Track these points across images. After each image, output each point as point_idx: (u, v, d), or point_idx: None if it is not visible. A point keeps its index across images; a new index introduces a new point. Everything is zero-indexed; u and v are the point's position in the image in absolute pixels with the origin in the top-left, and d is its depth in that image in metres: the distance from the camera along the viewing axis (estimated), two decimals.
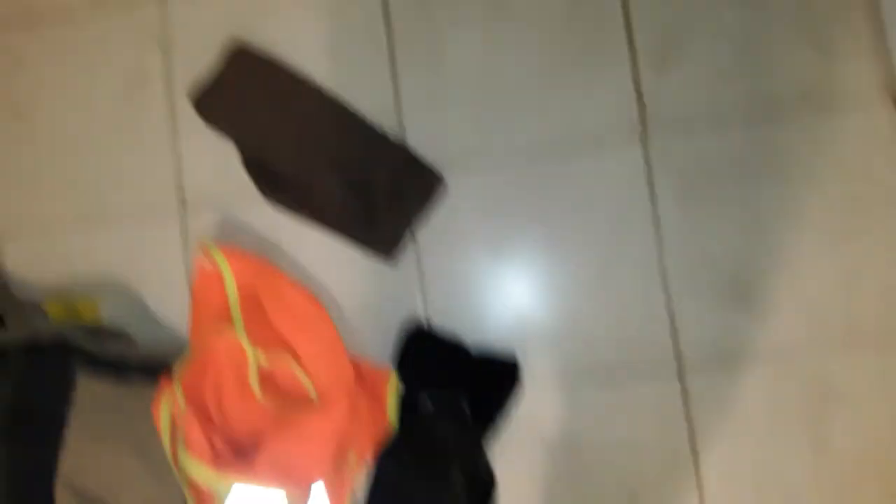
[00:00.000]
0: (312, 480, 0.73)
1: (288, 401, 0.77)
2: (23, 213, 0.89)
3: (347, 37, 0.87)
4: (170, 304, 0.86)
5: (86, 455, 0.70)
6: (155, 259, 0.87)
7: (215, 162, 0.87)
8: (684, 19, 0.83)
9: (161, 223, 0.87)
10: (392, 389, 0.75)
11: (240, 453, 0.72)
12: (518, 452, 0.80)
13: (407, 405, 0.76)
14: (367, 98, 0.85)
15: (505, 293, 0.83)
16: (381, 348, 0.82)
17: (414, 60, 0.86)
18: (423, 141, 0.84)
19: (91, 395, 0.72)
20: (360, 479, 0.75)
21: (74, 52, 0.91)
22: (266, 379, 0.77)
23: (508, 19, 0.85)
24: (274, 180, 0.85)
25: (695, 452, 0.79)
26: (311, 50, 0.87)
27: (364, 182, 0.81)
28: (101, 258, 0.87)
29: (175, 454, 0.71)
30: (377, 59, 0.86)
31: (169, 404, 0.72)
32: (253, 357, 0.75)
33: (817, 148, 0.80)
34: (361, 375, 0.77)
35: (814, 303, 0.79)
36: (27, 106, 0.91)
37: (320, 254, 0.85)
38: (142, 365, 0.78)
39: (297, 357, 0.78)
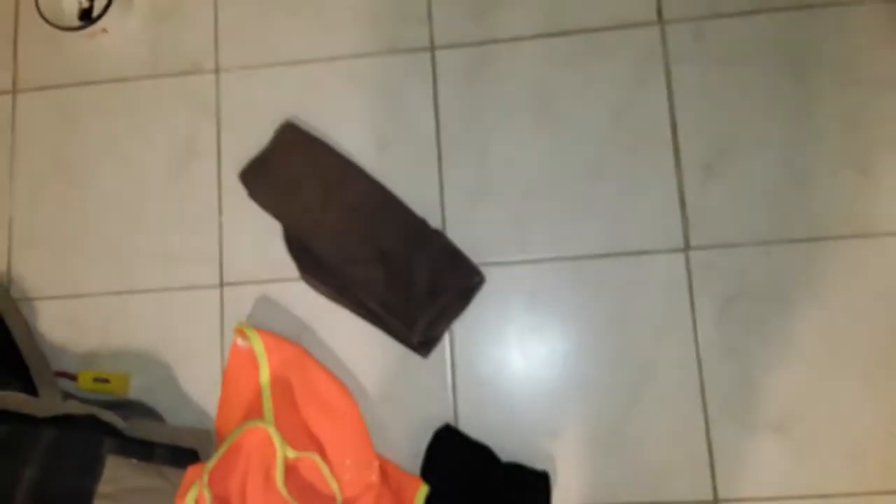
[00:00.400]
0: None
1: (311, 497, 0.75)
2: (61, 274, 0.89)
3: (397, 125, 0.88)
4: (200, 383, 0.85)
5: None
6: (190, 335, 0.86)
7: (257, 239, 0.87)
8: (730, 131, 0.83)
9: (199, 298, 0.87)
10: (420, 498, 0.74)
11: None
12: None
13: None
14: (412, 188, 0.85)
15: (537, 395, 0.81)
16: (407, 441, 0.81)
17: (460, 154, 0.86)
18: (464, 235, 0.84)
19: (118, 473, 0.72)
20: None
21: (128, 114, 0.92)
22: (291, 472, 0.75)
23: (556, 121, 0.85)
24: (314, 263, 0.84)
25: None
26: (360, 132, 0.88)
27: (405, 275, 0.81)
28: (135, 330, 0.87)
29: None
30: (425, 151, 0.87)
31: (194, 497, 0.71)
32: (281, 448, 0.74)
33: (858, 276, 0.79)
34: (388, 477, 0.76)
35: (854, 444, 0.77)
36: (75, 163, 0.91)
37: (353, 341, 0.84)
38: (168, 445, 0.77)
39: (322, 451, 0.77)
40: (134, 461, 0.73)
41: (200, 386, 0.85)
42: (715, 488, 0.78)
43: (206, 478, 0.72)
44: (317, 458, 0.76)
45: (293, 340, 0.83)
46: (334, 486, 0.76)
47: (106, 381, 0.84)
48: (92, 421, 0.74)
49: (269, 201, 0.86)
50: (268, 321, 0.85)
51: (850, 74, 0.82)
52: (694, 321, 0.80)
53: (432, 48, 0.88)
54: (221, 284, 0.87)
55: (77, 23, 0.91)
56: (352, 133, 0.88)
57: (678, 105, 0.84)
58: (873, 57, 0.82)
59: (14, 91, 0.93)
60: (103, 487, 0.70)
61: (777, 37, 0.84)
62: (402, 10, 0.89)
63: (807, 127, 0.82)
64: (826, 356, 0.79)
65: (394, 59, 0.89)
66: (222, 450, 0.75)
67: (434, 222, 0.84)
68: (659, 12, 0.86)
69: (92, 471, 0.71)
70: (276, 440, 0.74)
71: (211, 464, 0.73)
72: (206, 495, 0.70)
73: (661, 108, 0.84)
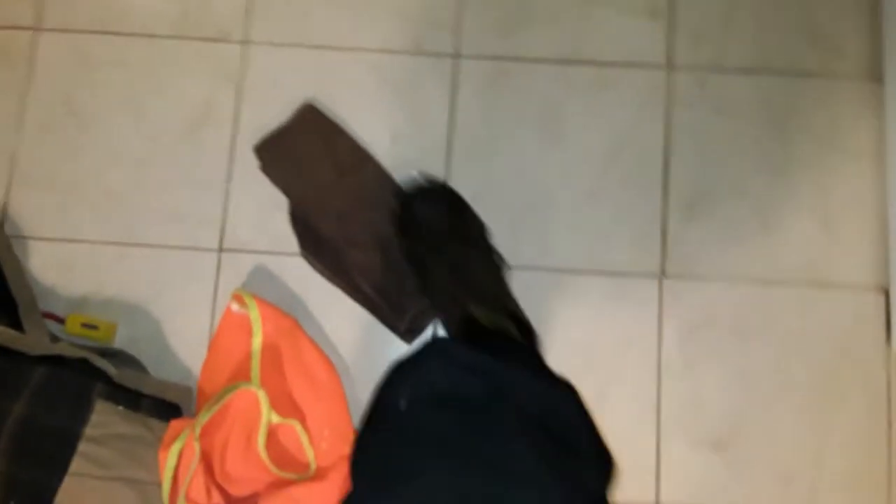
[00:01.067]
0: None
1: (286, 461, 0.78)
2: (59, 217, 0.89)
3: (411, 123, 0.91)
4: (187, 342, 0.87)
5: (86, 484, 0.70)
6: (183, 294, 0.88)
7: (261, 210, 0.89)
8: (716, 176, 0.90)
9: (197, 260, 0.88)
10: None
11: None
12: None
13: None
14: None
15: None
16: None
17: (467, 159, 0.90)
18: None
19: (106, 418, 0.73)
20: None
21: (149, 70, 0.92)
22: (271, 436, 0.78)
23: (560, 142, 0.90)
24: (316, 241, 0.87)
25: None
26: (376, 124, 0.91)
27: (401, 265, 0.85)
28: (128, 282, 0.88)
29: (173, 501, 0.71)
30: (434, 151, 0.90)
31: (178, 450, 0.73)
32: (266, 413, 0.77)
33: (809, 319, 0.87)
34: None
35: (786, 467, 0.85)
36: (87, 110, 0.91)
37: (343, 321, 0.87)
38: (154, 398, 0.78)
39: (303, 420, 0.79)
40: (121, 408, 0.74)
41: (186, 344, 0.87)
42: (658, 492, 0.84)
43: (198, 431, 0.74)
44: (297, 426, 0.78)
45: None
46: (310, 455, 0.79)
47: (94, 327, 0.84)
48: (84, 365, 0.75)
49: (280, 176, 0.88)
50: (262, 291, 0.87)
51: (829, 141, 0.90)
52: (659, 341, 0.87)
53: (456, 56, 0.92)
54: (220, 249, 0.89)
55: None
56: (367, 123, 0.91)
57: (673, 145, 0.90)
58: (851, 128, 0.90)
59: (37, 28, 0.92)
60: (90, 431, 0.71)
61: (770, 97, 0.91)
62: (433, 15, 0.93)
63: (782, 182, 0.90)
64: (771, 387, 0.86)
65: (418, 60, 0.92)
66: (216, 407, 0.77)
67: None
68: (668, 58, 0.92)
69: (81, 413, 0.72)
70: (264, 404, 0.77)
71: (204, 419, 0.75)
72: (196, 448, 0.72)
73: (656, 146, 0.90)
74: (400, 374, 0.56)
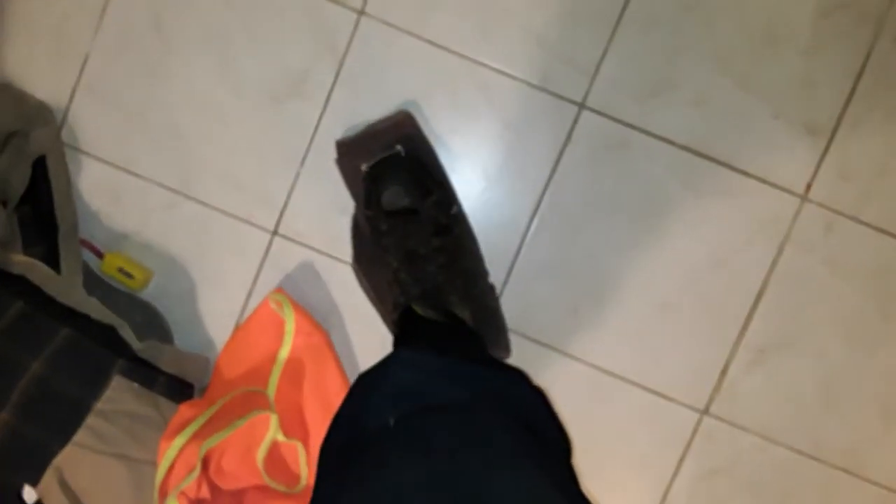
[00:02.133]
0: None
1: (281, 475, 0.77)
2: (120, 140, 0.82)
3: (508, 161, 0.81)
4: (216, 313, 0.83)
5: (84, 456, 0.69)
6: (224, 263, 0.82)
7: (325, 207, 0.81)
8: (802, 331, 0.81)
9: (247, 235, 0.82)
10: None
11: None
12: None
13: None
14: (495, 233, 0.81)
15: None
16: None
17: (553, 221, 0.81)
18: (517, 302, 0.81)
19: (119, 395, 0.71)
20: None
21: (251, 18, 0.80)
22: (273, 449, 0.76)
23: (653, 236, 0.81)
24: (370, 259, 0.80)
25: None
26: (470, 152, 0.81)
27: None
28: (175, 233, 0.82)
29: (163, 494, 0.71)
30: (523, 198, 0.81)
31: (180, 446, 0.71)
32: (273, 432, 0.75)
33: (831, 500, 0.83)
34: None
35: None
36: (175, 36, 0.80)
37: (373, 342, 0.83)
38: (170, 375, 0.76)
39: (306, 441, 0.78)
40: (136, 385, 0.72)
41: (216, 315, 0.83)
42: None
43: (203, 452, 0.71)
44: (300, 448, 0.77)
45: (319, 320, 0.81)
46: (304, 473, 0.78)
47: (130, 276, 0.80)
48: (110, 333, 0.72)
49: (354, 179, 0.80)
50: (303, 288, 0.82)
51: None
52: (675, 472, 0.83)
53: (582, 105, 0.80)
54: (274, 232, 0.82)
55: None
56: (461, 147, 0.81)
57: (771, 283, 0.81)
58: None
59: None
60: (101, 405, 0.69)
61: (889, 266, 0.81)
62: (573, 51, 0.79)
63: (864, 360, 0.82)
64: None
65: (539, 95, 0.80)
66: (227, 433, 0.74)
67: (496, 277, 0.81)
68: (808, 186, 0.80)
69: (96, 385, 0.70)
70: (273, 425, 0.74)
71: (213, 443, 0.73)
72: (199, 461, 0.70)
73: (754, 278, 0.81)
74: (372, 389, 0.55)
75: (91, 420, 0.69)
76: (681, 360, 0.82)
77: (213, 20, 0.80)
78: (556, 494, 0.42)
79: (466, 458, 0.44)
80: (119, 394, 0.71)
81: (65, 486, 0.70)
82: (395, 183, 0.74)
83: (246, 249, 0.82)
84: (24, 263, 0.72)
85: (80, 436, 0.69)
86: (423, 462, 0.44)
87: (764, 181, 0.80)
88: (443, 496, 0.41)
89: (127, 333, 0.73)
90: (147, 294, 0.82)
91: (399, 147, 0.76)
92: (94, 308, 0.72)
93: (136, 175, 0.82)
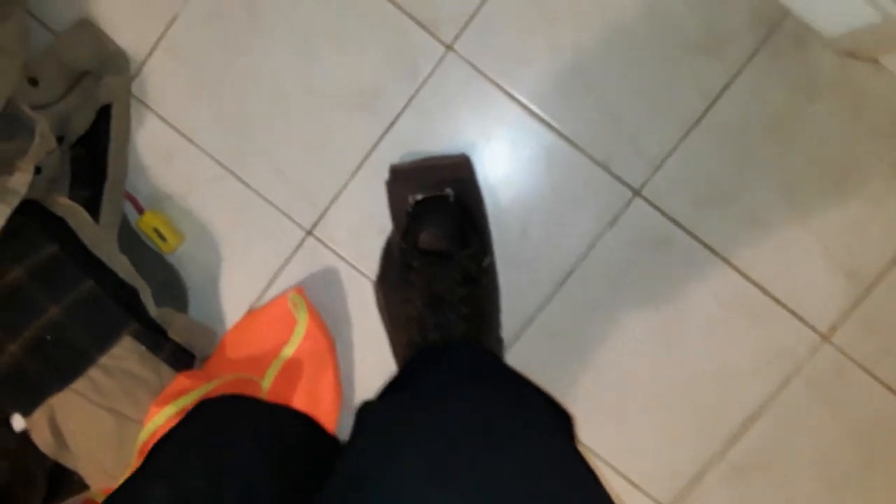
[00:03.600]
0: None
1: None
2: (185, 104, 0.80)
3: (550, 227, 0.79)
4: (235, 292, 0.82)
5: (78, 403, 0.69)
6: (254, 248, 0.82)
7: (364, 222, 0.80)
8: (783, 459, 0.81)
9: (283, 227, 0.81)
10: None
11: None
12: None
13: None
14: (512, 297, 0.79)
15: None
16: None
17: (575, 303, 0.79)
18: (517, 360, 0.81)
19: (125, 354, 0.71)
20: None
21: (342, 17, 0.77)
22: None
23: (664, 346, 0.79)
24: (393, 284, 0.79)
25: None
26: (517, 207, 0.79)
27: None
28: (214, 205, 0.81)
29: (142, 455, 0.71)
30: (551, 274, 0.79)
31: (169, 414, 0.71)
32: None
33: None
34: None
35: None
36: (265, 18, 0.78)
37: (374, 360, 0.82)
38: (177, 344, 0.76)
39: None
40: (143, 349, 0.72)
41: (233, 294, 0.83)
42: None
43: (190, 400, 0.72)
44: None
45: (329, 325, 0.80)
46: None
47: (164, 238, 0.79)
48: (130, 294, 0.72)
49: (398, 205, 0.78)
50: (322, 291, 0.81)
51: None
52: None
53: (636, 193, 0.77)
54: (309, 232, 0.81)
55: None
56: (509, 200, 0.79)
57: (768, 410, 0.79)
58: None
59: None
60: (105, 360, 0.70)
61: (887, 422, 0.79)
62: (642, 142, 0.77)
63: (842, 498, 0.80)
64: None
65: (596, 171, 0.78)
66: (215, 383, 0.74)
67: (506, 332, 0.80)
68: (833, 328, 0.78)
69: (106, 341, 0.70)
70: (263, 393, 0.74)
71: (201, 392, 0.73)
72: None
73: (754, 401, 0.79)
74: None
75: (93, 372, 0.69)
76: (660, 456, 0.81)
77: (305, 16, 0.78)
78: None
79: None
80: (125, 353, 0.71)
81: (53, 424, 0.71)
82: (437, 226, 0.72)
83: (278, 240, 0.82)
84: (66, 206, 0.71)
85: (79, 384, 0.69)
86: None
87: (792, 312, 0.78)
88: None
89: (146, 298, 0.73)
90: (174, 257, 0.82)
91: (449, 190, 0.74)
92: (122, 266, 0.72)
93: (193, 142, 0.81)
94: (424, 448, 0.42)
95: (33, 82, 0.75)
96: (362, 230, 0.80)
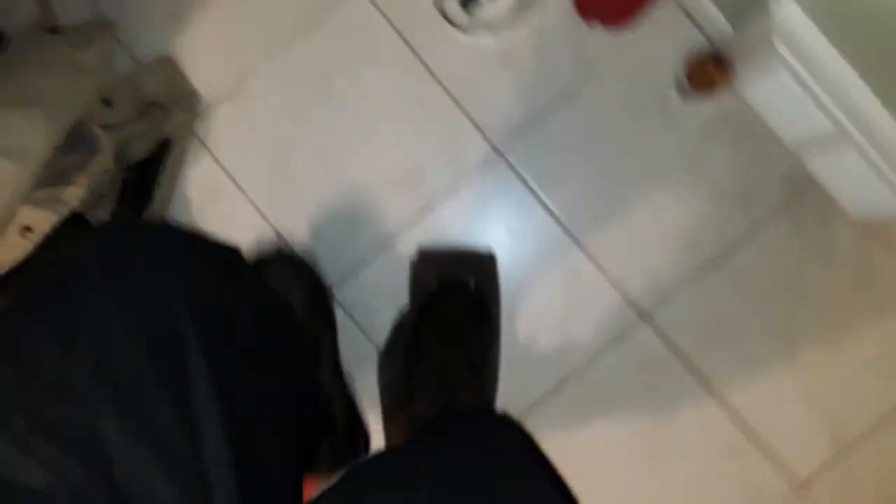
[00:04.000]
0: None
1: None
2: (242, 162, 0.84)
3: (549, 342, 0.82)
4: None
5: None
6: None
7: (383, 291, 0.83)
8: None
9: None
10: None
11: None
12: None
13: None
14: (515, 386, 0.81)
15: None
16: None
17: (563, 408, 0.82)
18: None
19: None
20: None
21: (402, 106, 0.83)
22: None
23: (656, 472, 0.81)
24: (395, 359, 0.81)
25: None
26: (522, 315, 0.82)
27: None
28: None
29: None
30: (545, 376, 0.82)
31: None
32: None
33: None
34: None
35: None
36: (333, 101, 0.82)
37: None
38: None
39: None
40: None
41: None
42: None
43: None
44: None
45: None
46: None
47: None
48: None
49: (420, 285, 0.81)
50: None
51: None
52: None
53: (643, 316, 0.81)
54: (328, 288, 0.84)
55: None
56: (523, 303, 0.82)
57: None
58: None
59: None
60: None
61: None
62: (657, 270, 0.81)
63: None
64: None
65: (609, 290, 0.81)
66: None
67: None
68: (807, 481, 0.80)
69: None
70: None
71: None
72: None
73: None
74: None
75: None
76: None
77: (372, 98, 0.83)
78: None
79: None
80: None
81: None
82: (455, 308, 0.75)
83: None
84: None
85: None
86: None
87: (771, 456, 0.80)
88: None
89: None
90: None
91: (472, 280, 0.77)
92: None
93: (239, 187, 0.84)
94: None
95: (106, 103, 0.79)
96: (380, 300, 0.83)
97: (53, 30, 0.83)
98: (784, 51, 0.61)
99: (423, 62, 0.81)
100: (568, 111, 0.81)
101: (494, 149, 0.82)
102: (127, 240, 0.42)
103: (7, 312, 0.38)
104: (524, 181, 0.82)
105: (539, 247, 0.82)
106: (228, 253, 0.53)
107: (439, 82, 0.81)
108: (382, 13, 0.81)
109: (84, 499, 0.32)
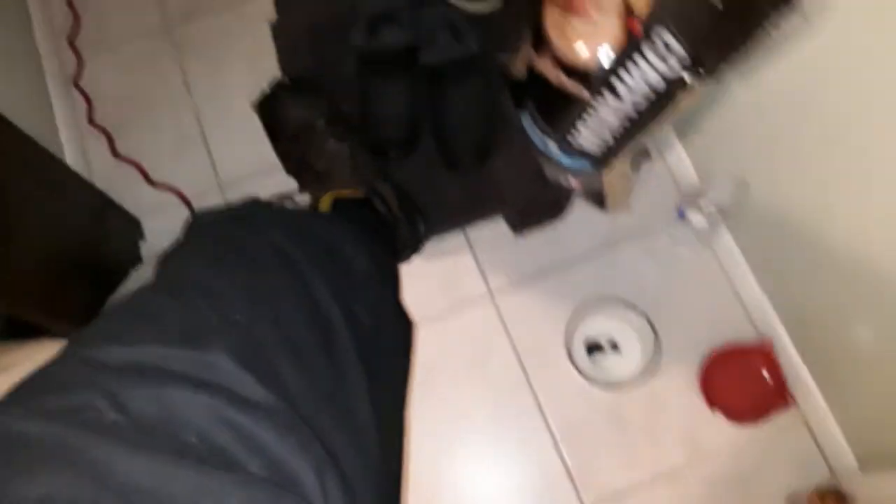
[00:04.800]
0: None
1: None
2: None
3: None
4: None
5: None
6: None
7: None
8: None
9: None
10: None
11: None
12: None
13: None
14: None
15: None
16: None
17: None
18: None
19: None
20: None
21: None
22: None
23: None
24: None
25: None
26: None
27: None
28: None
29: None
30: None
31: None
32: None
33: None
34: None
35: None
36: (431, 395, 0.79)
37: None
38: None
39: None
40: None
41: None
42: None
43: None
44: None
45: None
46: None
47: None
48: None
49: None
50: None
51: None
52: None
53: None
54: None
55: None
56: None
57: None
58: None
59: None
60: None
61: None
62: None
63: None
64: None
65: None
66: None
67: None
68: None
69: None
70: None
71: None
72: None
73: None
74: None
75: None
76: None
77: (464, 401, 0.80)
78: None
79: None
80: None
81: None
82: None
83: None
84: None
85: None
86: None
87: None
88: None
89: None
90: None
91: None
92: None
93: None
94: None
95: None
96: None
97: None
98: None
99: (531, 389, 0.78)
100: (667, 489, 0.75)
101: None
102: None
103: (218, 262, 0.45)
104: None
105: None
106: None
107: (542, 412, 0.78)
108: (507, 332, 0.80)
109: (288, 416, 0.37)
